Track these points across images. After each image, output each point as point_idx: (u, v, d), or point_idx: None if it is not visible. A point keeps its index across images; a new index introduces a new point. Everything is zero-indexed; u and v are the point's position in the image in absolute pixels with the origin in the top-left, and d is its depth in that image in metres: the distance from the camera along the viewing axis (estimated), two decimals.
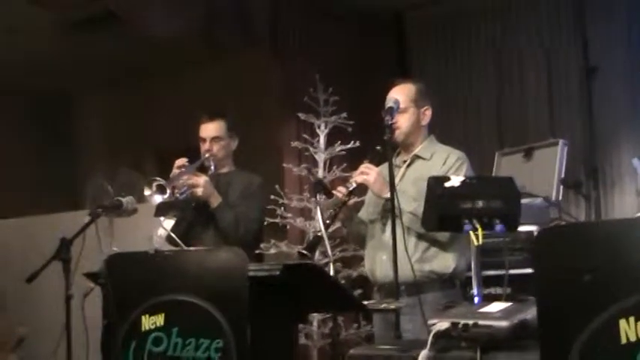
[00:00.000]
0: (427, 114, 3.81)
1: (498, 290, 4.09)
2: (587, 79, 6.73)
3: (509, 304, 2.37)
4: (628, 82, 6.62)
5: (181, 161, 4.17)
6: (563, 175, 5.14)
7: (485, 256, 3.38)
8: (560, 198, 5.11)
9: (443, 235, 3.53)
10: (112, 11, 5.85)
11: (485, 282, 3.57)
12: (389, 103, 3.59)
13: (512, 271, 4.40)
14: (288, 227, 6.33)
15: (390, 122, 3.46)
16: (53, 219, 6.64)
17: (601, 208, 6.64)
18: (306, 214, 6.36)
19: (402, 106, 3.68)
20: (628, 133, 6.63)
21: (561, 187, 5.08)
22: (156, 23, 5.79)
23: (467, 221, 2.80)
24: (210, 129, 4.35)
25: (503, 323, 2.21)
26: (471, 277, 3.64)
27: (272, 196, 5.73)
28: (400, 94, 3.72)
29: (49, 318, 5.63)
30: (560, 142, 5.24)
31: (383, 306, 3.00)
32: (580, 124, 6.80)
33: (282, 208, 6.19)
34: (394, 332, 3.20)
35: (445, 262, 3.60)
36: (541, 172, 5.07)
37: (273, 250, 5.98)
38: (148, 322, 2.86)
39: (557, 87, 6.98)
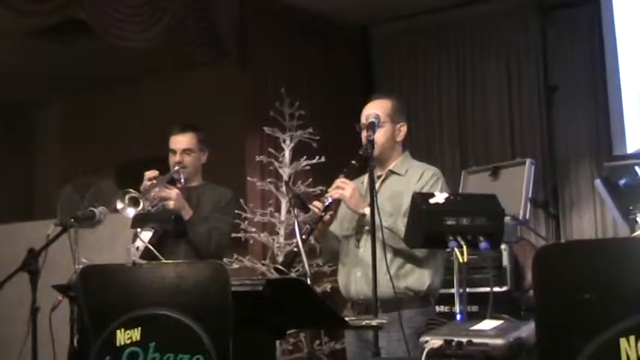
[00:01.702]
0: (403, 130, 3.79)
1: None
2: (547, 98, 6.82)
3: (500, 321, 2.36)
4: (588, 101, 6.72)
5: (152, 173, 4.08)
6: (530, 195, 5.18)
7: (452, 273, 3.38)
8: (528, 217, 5.16)
9: (420, 252, 3.50)
10: (77, 20, 5.74)
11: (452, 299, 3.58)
12: (370, 118, 3.55)
13: (482, 289, 4.45)
14: (251, 242, 6.28)
15: (372, 137, 3.44)
16: (12, 229, 6.49)
17: (560, 228, 6.71)
18: (270, 228, 6.31)
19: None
20: (587, 153, 6.72)
21: (529, 205, 5.12)
22: (125, 34, 5.69)
23: (451, 238, 2.79)
24: (181, 141, 4.28)
25: (499, 341, 2.19)
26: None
27: (236, 211, 5.67)
28: (377, 108, 3.69)
29: (11, 331, 5.50)
30: (528, 161, 5.29)
31: (365, 322, 2.96)
32: (540, 143, 6.88)
33: (246, 222, 6.14)
34: (373, 349, 3.15)
35: (421, 278, 3.57)
36: (508, 191, 5.09)
37: (235, 265, 5.91)
38: (124, 337, 2.77)
39: (517, 105, 7.06)
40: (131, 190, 3.83)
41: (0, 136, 9.27)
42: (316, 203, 3.58)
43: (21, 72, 8.11)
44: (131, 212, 3.80)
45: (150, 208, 3.93)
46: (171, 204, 4.01)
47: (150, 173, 4.09)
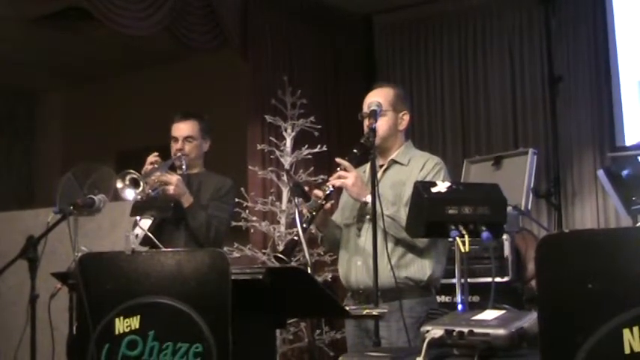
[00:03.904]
0: (405, 119, 3.76)
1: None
2: (550, 89, 6.79)
3: (502, 311, 2.33)
4: (591, 92, 6.68)
5: (154, 157, 4.06)
6: (532, 185, 5.16)
7: (452, 263, 3.36)
8: (530, 207, 5.13)
9: (421, 241, 3.47)
10: (78, 7, 5.70)
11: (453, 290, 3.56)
12: (372, 107, 3.52)
13: (483, 280, 4.44)
14: (252, 231, 6.25)
15: (374, 125, 3.41)
16: (13, 216, 6.47)
17: (562, 218, 6.69)
18: (270, 217, 6.29)
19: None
20: (590, 144, 6.69)
21: (531, 195, 5.10)
22: (126, 21, 5.65)
23: (453, 227, 2.76)
24: (183, 128, 4.26)
25: (501, 331, 2.16)
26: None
27: (236, 199, 5.64)
28: (380, 97, 3.66)
29: (11, 318, 5.49)
30: (530, 151, 5.26)
31: (365, 312, 2.93)
32: (543, 133, 6.85)
33: (247, 211, 6.11)
34: (374, 339, 3.13)
35: (422, 268, 3.54)
36: (510, 181, 5.07)
37: (236, 254, 5.90)
38: (123, 325, 2.76)
39: (520, 95, 7.03)
40: (132, 170, 3.80)
41: (1, 124, 9.24)
42: (317, 192, 3.55)
43: (21, 60, 8.09)
44: (130, 193, 3.76)
45: (150, 191, 3.89)
46: (171, 189, 3.99)
47: (152, 157, 4.08)
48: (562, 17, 6.85)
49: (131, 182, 3.80)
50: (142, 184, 3.78)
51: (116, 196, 3.84)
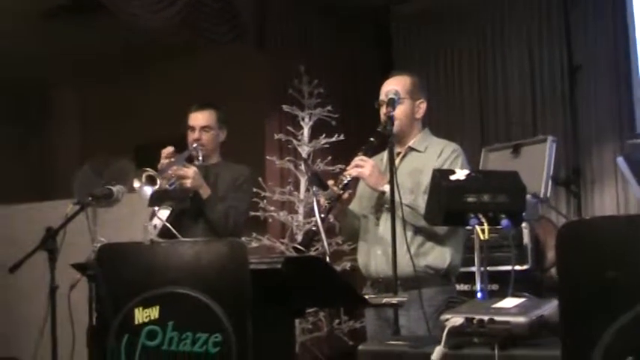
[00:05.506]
0: (422, 107, 3.75)
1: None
2: (570, 77, 6.73)
3: (522, 299, 2.32)
4: (611, 80, 6.62)
5: (169, 150, 4.05)
6: (552, 172, 5.12)
7: (472, 251, 3.34)
8: (549, 195, 5.10)
9: (441, 229, 3.46)
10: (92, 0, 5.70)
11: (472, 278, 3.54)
12: (389, 95, 3.50)
13: (502, 268, 4.42)
14: (270, 220, 6.26)
15: (391, 113, 3.39)
16: (31, 208, 6.51)
17: (581, 207, 6.64)
18: (288, 207, 6.29)
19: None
20: (610, 131, 6.63)
21: (550, 183, 5.06)
22: (142, 13, 5.64)
23: (472, 215, 2.75)
24: (199, 118, 4.25)
25: (522, 319, 2.15)
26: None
27: (254, 189, 5.64)
28: (397, 85, 3.65)
29: (31, 309, 5.51)
30: (549, 139, 5.22)
31: (385, 301, 2.92)
32: (562, 122, 6.80)
33: (265, 201, 6.11)
34: (393, 328, 3.12)
35: (441, 257, 3.53)
36: (529, 169, 5.03)
37: (254, 244, 5.90)
38: (142, 315, 2.76)
39: (539, 84, 6.97)
40: (148, 168, 3.79)
41: (18, 117, 9.28)
42: (331, 182, 3.54)
43: (38, 53, 8.09)
44: (148, 191, 3.75)
45: (167, 186, 3.89)
46: (188, 182, 3.98)
47: (166, 151, 4.06)
48: (581, 6, 6.78)
49: (148, 180, 3.79)
50: (158, 180, 3.77)
51: (133, 187, 3.83)
